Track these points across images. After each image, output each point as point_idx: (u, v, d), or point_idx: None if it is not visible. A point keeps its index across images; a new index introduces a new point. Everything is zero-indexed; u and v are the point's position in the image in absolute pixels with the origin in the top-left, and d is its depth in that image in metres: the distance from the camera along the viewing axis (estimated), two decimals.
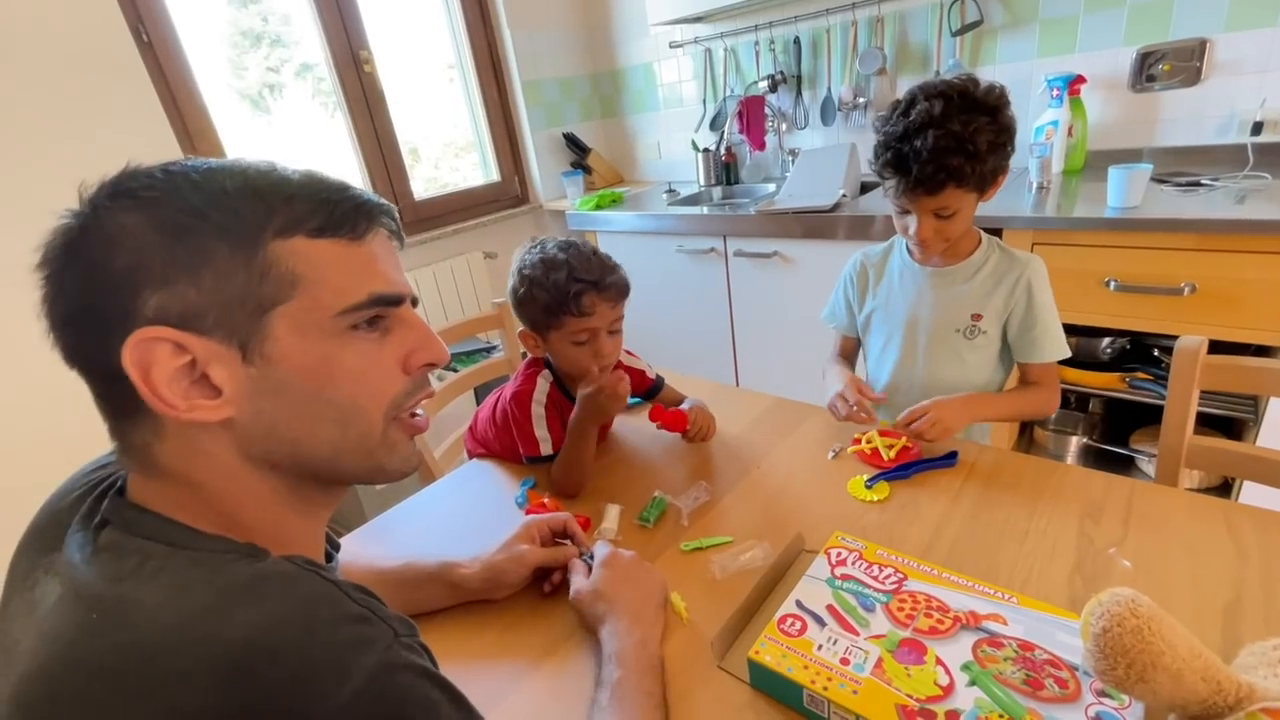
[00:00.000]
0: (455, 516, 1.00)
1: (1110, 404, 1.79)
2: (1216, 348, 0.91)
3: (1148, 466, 1.64)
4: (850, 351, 1.23)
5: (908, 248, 1.09)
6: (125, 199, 0.39)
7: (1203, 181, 1.48)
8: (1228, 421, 1.52)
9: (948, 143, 0.88)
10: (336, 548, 0.63)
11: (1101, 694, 0.52)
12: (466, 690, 0.42)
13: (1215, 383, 0.91)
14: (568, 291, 0.91)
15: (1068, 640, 0.57)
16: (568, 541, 0.81)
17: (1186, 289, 1.34)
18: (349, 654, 0.36)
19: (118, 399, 0.40)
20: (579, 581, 0.73)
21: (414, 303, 0.49)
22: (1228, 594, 0.65)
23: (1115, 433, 1.75)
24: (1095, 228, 1.41)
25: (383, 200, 0.46)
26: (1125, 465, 1.68)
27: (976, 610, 0.62)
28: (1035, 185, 1.66)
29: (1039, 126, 1.73)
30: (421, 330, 0.48)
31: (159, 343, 0.38)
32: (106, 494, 0.43)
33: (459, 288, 2.49)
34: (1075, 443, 1.83)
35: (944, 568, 0.67)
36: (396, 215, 0.48)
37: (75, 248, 0.39)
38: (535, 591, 0.79)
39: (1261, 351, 1.35)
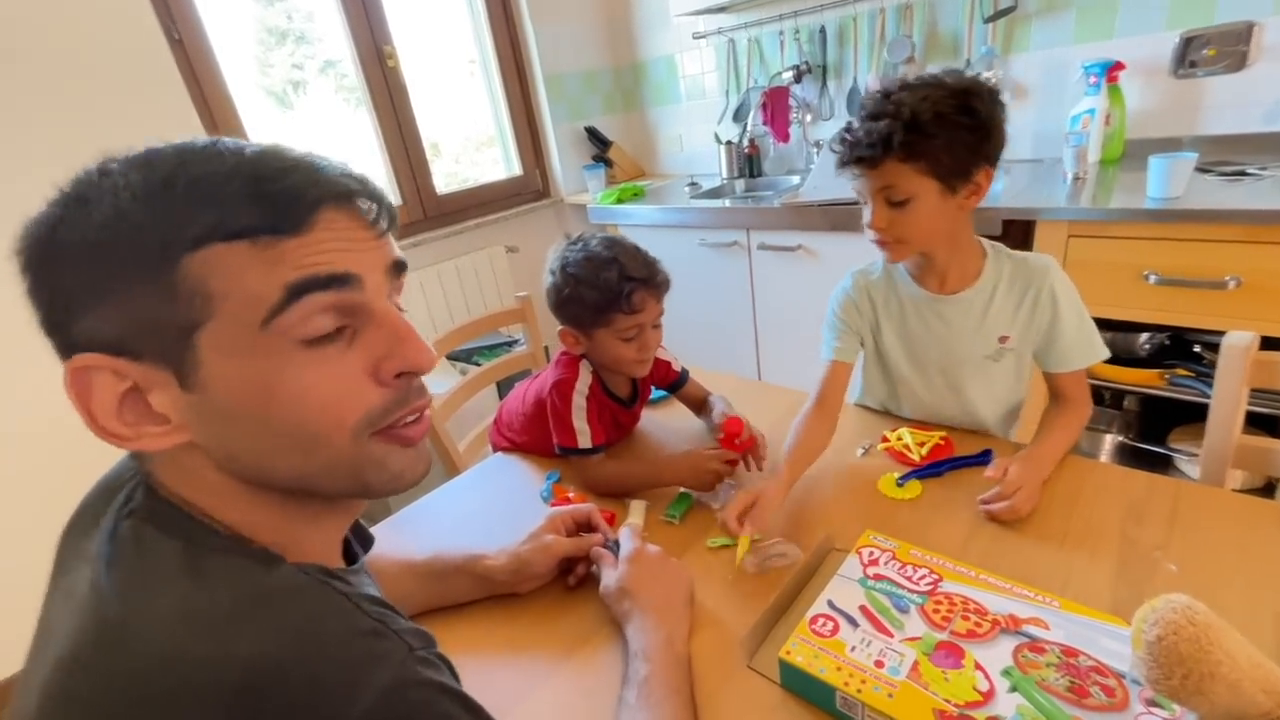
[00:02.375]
0: (480, 510, 1.00)
1: (1147, 401, 1.74)
2: (1263, 343, 0.87)
3: (1187, 466, 1.59)
4: (842, 384, 1.00)
5: (888, 264, 0.98)
6: (67, 205, 0.36)
7: (1249, 171, 1.43)
8: (1270, 420, 1.47)
9: (890, 109, 0.80)
10: (368, 541, 0.62)
11: (1151, 703, 0.50)
12: (493, 685, 0.41)
13: (1264, 380, 0.87)
14: (621, 290, 0.91)
15: (1113, 646, 0.55)
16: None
17: (1231, 282, 1.29)
18: (360, 671, 0.35)
19: None
20: (608, 575, 0.72)
21: (399, 269, 0.43)
22: None
23: (1152, 431, 1.70)
24: (1135, 219, 1.37)
25: (345, 176, 0.39)
26: (1163, 465, 1.63)
27: (1016, 613, 0.60)
28: (1071, 176, 1.61)
29: (1075, 115, 1.68)
30: (393, 331, 0.40)
31: (96, 370, 0.36)
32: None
33: (481, 282, 2.50)
34: (1110, 441, 1.78)
35: (981, 569, 0.66)
36: (370, 188, 0.41)
37: (28, 258, 0.37)
38: (562, 585, 0.79)
39: None
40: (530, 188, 2.72)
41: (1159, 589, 0.65)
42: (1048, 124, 1.85)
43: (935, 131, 0.79)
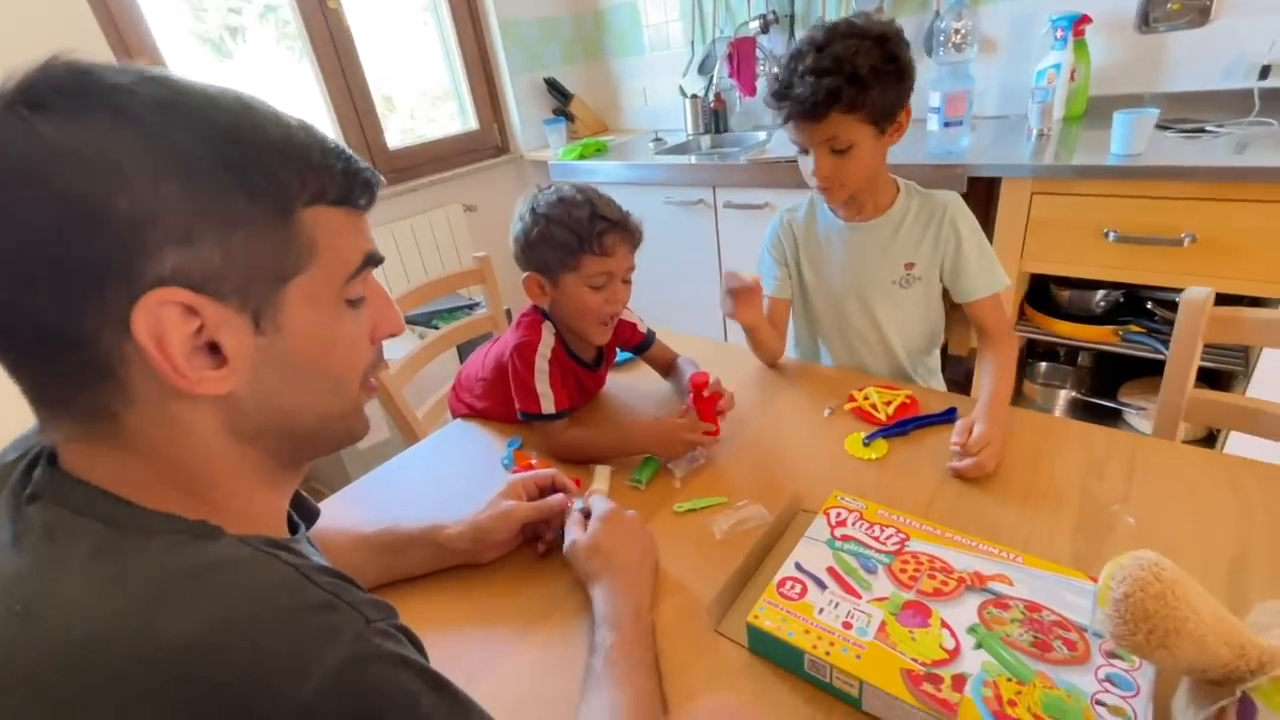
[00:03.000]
0: (439, 479, 0.97)
1: (1100, 357, 1.79)
2: (1216, 299, 0.88)
3: (1135, 419, 1.64)
4: (783, 316, 1.13)
5: (830, 206, 1.07)
6: (109, 117, 0.32)
7: (1207, 128, 1.44)
8: (1213, 373, 1.52)
9: (827, 64, 0.87)
10: (312, 514, 0.59)
11: (1111, 655, 0.51)
12: (455, 659, 0.39)
13: (1218, 335, 0.89)
14: (592, 230, 0.88)
15: (1075, 600, 0.56)
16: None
17: (1187, 239, 1.31)
18: (311, 647, 0.32)
19: (71, 366, 0.34)
20: (575, 533, 0.70)
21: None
22: (1233, 550, 0.64)
23: (1104, 386, 1.75)
24: (1097, 176, 1.37)
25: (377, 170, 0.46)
26: (1113, 418, 1.68)
27: (981, 571, 0.60)
28: (1035, 132, 1.61)
29: (1040, 70, 1.66)
30: (385, 300, 0.47)
31: (168, 307, 0.34)
32: (38, 462, 0.38)
33: (439, 242, 2.41)
34: (1063, 396, 1.83)
35: (946, 527, 0.66)
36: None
37: (33, 175, 0.31)
38: (526, 555, 0.76)
39: (1255, 303, 1.33)
40: (488, 143, 2.61)
41: (1118, 542, 0.67)
42: (1014, 79, 1.83)
43: (873, 82, 0.87)
